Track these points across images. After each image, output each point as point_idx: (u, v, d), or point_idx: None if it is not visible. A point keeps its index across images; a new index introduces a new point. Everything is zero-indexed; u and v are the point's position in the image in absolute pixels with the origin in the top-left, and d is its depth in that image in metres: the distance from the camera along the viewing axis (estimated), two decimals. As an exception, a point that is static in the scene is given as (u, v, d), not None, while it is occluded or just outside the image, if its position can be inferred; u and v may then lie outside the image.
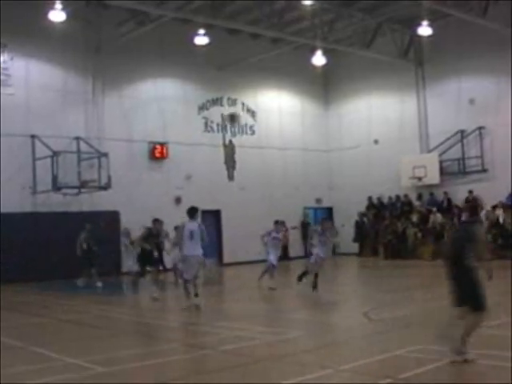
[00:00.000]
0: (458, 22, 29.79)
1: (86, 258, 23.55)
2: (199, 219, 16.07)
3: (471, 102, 31.90)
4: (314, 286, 18.48)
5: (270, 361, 10.16)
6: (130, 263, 23.32)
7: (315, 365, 9.68)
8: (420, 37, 30.69)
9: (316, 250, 18.86)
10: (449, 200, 32.57)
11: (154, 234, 19.38)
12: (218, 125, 34.11)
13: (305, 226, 35.71)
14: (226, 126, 34.26)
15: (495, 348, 10.08)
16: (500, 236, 28.77)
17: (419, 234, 31.88)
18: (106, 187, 27.83)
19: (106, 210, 28.25)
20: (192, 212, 16.10)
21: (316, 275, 18.65)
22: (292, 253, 34.72)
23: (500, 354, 9.61)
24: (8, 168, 26.60)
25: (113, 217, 27.87)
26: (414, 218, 32.95)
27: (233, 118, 34.33)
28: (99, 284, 23.42)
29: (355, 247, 35.38)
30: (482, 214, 29.93)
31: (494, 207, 29.78)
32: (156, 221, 19.63)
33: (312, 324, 14.12)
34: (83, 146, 28.50)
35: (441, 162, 32.87)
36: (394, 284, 21.93)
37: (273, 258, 20.42)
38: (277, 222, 21.56)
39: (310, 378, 8.86)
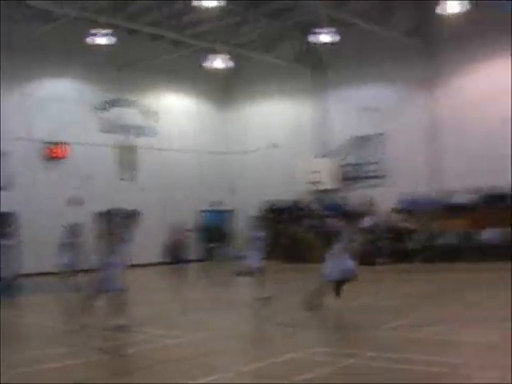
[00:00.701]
0: (359, 30, 30.15)
1: None
2: None
3: (371, 108, 32.34)
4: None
5: (170, 364, 10.16)
6: (65, 261, 21.95)
7: (213, 368, 9.69)
8: (318, 43, 30.90)
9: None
10: (346, 205, 32.93)
11: None
12: (116, 125, 33.74)
13: (200, 229, 35.68)
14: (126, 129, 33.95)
15: (391, 350, 10.37)
16: (395, 240, 29.36)
17: (315, 238, 32.08)
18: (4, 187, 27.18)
19: (1, 211, 27.46)
20: None
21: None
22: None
23: (393, 356, 9.88)
24: None
25: (8, 218, 27.09)
26: (311, 222, 33.16)
27: None
28: None
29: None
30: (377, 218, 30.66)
31: (391, 212, 30.44)
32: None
33: (211, 326, 14.06)
34: (-21, 145, 27.69)
35: (340, 167, 33.32)
36: (294, 287, 21.96)
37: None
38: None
39: (207, 380, 8.87)
